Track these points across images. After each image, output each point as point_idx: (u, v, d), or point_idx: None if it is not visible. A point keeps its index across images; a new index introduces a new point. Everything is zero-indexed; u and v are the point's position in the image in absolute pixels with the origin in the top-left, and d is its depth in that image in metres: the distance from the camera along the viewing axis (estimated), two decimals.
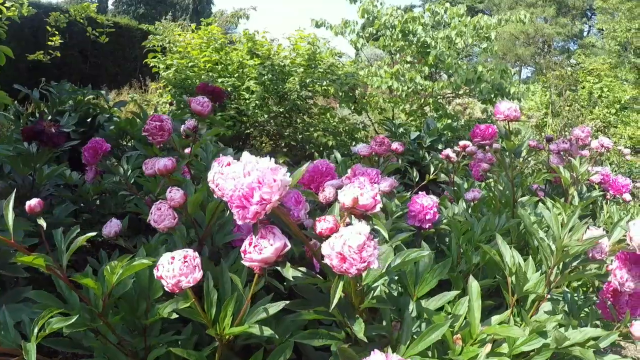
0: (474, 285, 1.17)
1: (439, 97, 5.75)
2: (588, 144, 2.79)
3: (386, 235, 1.03)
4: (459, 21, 5.37)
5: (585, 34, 27.18)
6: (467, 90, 5.73)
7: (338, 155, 2.21)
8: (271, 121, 4.78)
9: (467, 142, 2.35)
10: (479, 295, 1.14)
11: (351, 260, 0.85)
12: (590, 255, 1.17)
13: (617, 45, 18.52)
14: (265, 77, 4.58)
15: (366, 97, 5.38)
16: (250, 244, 0.91)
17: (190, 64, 4.81)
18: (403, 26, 5.26)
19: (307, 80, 4.72)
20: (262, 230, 0.89)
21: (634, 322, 1.15)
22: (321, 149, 4.63)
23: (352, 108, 5.19)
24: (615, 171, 4.77)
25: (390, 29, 5.44)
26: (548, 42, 24.30)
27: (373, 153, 2.00)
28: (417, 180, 2.56)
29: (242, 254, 0.91)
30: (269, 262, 0.91)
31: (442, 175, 2.56)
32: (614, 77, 8.39)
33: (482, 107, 5.96)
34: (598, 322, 1.33)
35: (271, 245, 0.89)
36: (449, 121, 5.05)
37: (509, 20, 5.74)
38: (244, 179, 0.83)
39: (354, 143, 4.99)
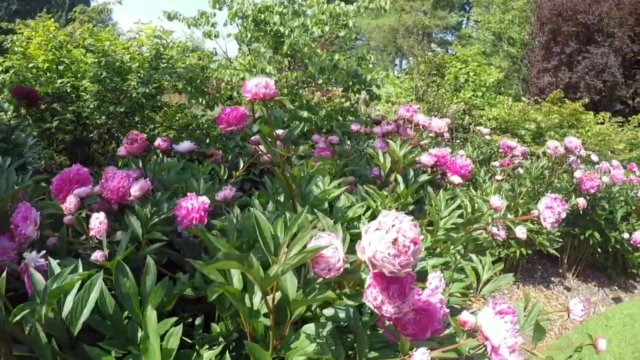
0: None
1: (296, 88, 5.53)
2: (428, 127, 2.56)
3: None
4: (318, 9, 5.14)
5: (464, 26, 28.46)
6: (327, 80, 5.51)
7: None
8: (109, 122, 4.26)
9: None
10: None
11: None
12: (313, 272, 0.82)
13: (492, 36, 19.68)
14: (102, 75, 4.07)
15: (221, 92, 5.05)
16: None
17: (30, 65, 4.26)
18: (256, 16, 4.94)
19: (154, 77, 4.27)
20: None
21: (414, 351, 0.84)
22: None
23: (204, 103, 4.77)
24: (477, 152, 4.70)
25: (243, 19, 5.10)
26: (427, 33, 25.19)
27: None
28: (225, 177, 2.18)
29: None
30: None
31: None
32: (480, 63, 8.61)
33: (359, 97, 5.83)
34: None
35: None
36: (303, 113, 4.87)
37: (367, 8, 5.56)
38: None
39: (208, 140, 4.58)
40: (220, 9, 5.34)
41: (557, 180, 3.62)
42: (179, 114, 4.84)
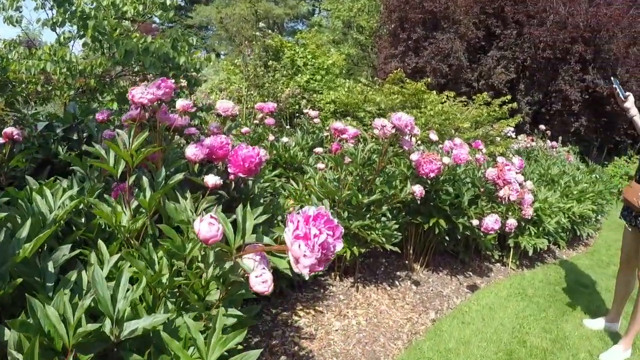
0: None
1: (106, 77, 4.67)
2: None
3: None
4: None
5: (316, 15, 28.50)
6: (142, 67, 4.69)
7: None
8: None
9: None
10: None
11: None
12: None
13: (342, 24, 19.78)
14: None
15: (23, 86, 4.30)
16: None
17: None
18: None
19: None
20: None
21: None
22: None
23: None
24: (307, 138, 4.17)
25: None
26: (278, 23, 24.80)
27: None
28: None
29: None
30: None
31: None
32: (320, 45, 8.19)
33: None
34: None
35: None
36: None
37: None
38: None
39: None
40: None
41: (390, 166, 3.12)
42: None
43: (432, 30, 12.14)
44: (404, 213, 3.26)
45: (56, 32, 4.57)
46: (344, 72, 8.56)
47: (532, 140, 7.15)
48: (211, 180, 1.59)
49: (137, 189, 1.62)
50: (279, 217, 2.30)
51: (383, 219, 2.93)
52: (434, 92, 7.25)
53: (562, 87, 10.62)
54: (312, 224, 0.94)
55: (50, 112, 3.87)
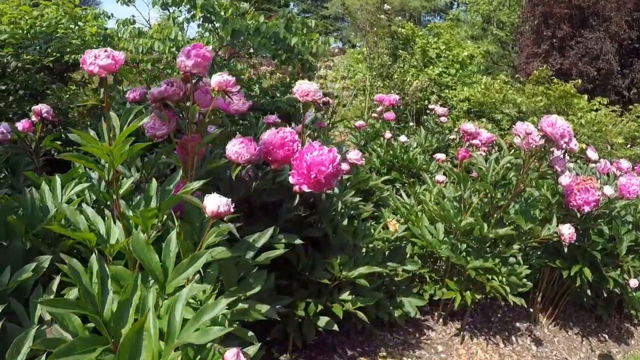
0: None
1: (223, 59, 4.39)
2: None
3: None
4: None
5: (454, 8, 27.28)
6: (255, 49, 4.33)
7: None
8: None
9: None
10: None
11: None
12: None
13: (481, 19, 18.50)
14: None
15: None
16: None
17: None
18: None
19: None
20: None
21: None
22: None
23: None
24: (430, 140, 3.50)
25: None
26: (414, 16, 23.88)
27: None
28: None
29: None
30: None
31: None
32: (454, 35, 7.34)
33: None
34: None
35: None
36: None
37: None
38: None
39: None
40: None
41: (530, 188, 2.32)
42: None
43: (579, 28, 10.82)
44: (539, 252, 2.45)
45: (168, 11, 4.39)
46: (481, 68, 7.64)
47: None
48: (211, 204, 0.99)
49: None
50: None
51: (511, 259, 2.16)
52: (585, 96, 6.10)
53: None
54: None
55: None
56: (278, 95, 4.43)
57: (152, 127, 1.32)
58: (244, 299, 1.12)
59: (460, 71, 6.32)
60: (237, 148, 1.23)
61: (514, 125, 2.04)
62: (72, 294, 1.07)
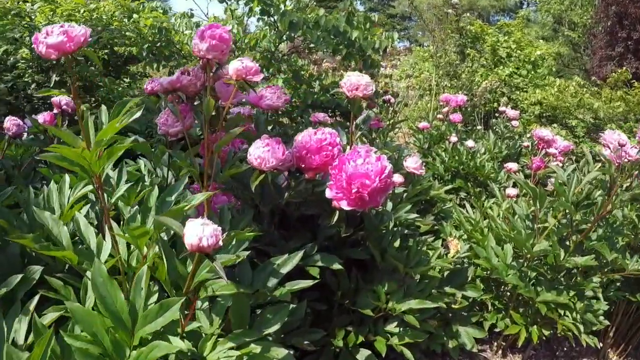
0: None
1: (282, 54, 4.23)
2: None
3: None
4: None
5: (524, 8, 26.31)
6: (315, 43, 4.20)
7: None
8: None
9: None
10: None
11: None
12: None
13: (552, 19, 17.63)
14: None
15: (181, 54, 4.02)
16: None
17: None
18: None
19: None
20: None
21: None
22: None
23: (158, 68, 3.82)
24: (500, 145, 3.18)
25: None
26: (483, 15, 23.11)
27: None
28: None
29: None
30: None
31: None
32: (525, 34, 6.89)
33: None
34: None
35: None
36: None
37: None
38: None
39: None
40: None
41: (617, 210, 1.96)
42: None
43: None
44: (618, 284, 2.09)
45: (226, 3, 4.27)
46: (552, 71, 7.15)
47: None
48: (191, 235, 0.74)
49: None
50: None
51: (588, 293, 1.83)
52: None
53: None
54: None
55: None
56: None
57: (164, 124, 1.13)
58: (258, 339, 0.88)
59: (532, 72, 5.89)
60: (260, 152, 1.00)
61: (590, 133, 1.73)
62: (49, 317, 0.87)
